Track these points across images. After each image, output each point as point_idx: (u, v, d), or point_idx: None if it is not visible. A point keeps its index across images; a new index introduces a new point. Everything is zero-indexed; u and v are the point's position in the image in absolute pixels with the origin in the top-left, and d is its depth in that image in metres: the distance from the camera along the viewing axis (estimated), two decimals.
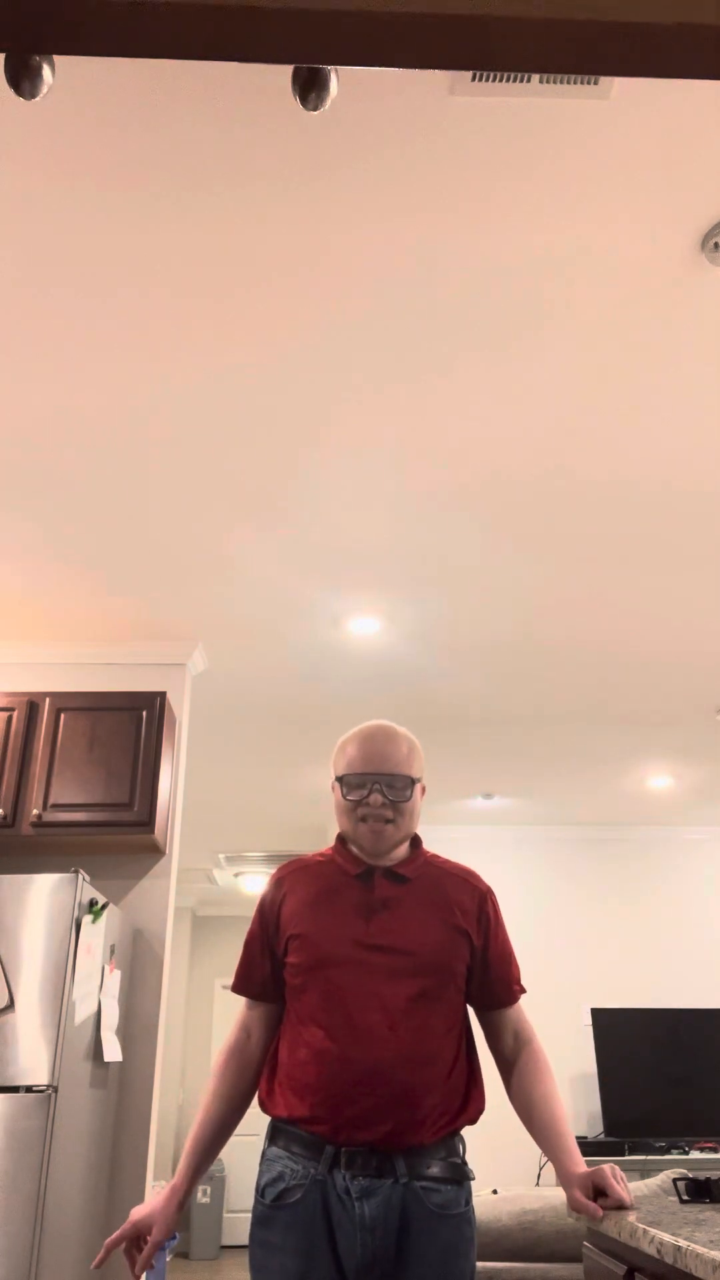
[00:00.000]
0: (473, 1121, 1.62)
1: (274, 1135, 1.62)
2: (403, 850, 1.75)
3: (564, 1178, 1.63)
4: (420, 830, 6.77)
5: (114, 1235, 1.63)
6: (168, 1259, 5.78)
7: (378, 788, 1.69)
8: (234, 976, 1.77)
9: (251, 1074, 1.71)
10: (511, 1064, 1.72)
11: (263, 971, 1.72)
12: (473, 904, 1.73)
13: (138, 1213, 1.64)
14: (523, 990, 1.77)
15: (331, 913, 1.67)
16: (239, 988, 1.75)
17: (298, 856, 1.81)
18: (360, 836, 1.70)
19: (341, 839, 1.78)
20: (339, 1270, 1.50)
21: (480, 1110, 1.64)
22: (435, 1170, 1.55)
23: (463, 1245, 1.55)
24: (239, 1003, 1.88)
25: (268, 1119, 1.71)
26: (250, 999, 1.73)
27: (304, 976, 1.63)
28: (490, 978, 1.72)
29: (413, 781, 1.72)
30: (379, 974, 1.61)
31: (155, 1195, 1.67)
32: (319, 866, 1.75)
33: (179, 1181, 1.68)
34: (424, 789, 1.79)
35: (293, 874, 1.75)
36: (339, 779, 1.73)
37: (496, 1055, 1.75)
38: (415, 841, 1.79)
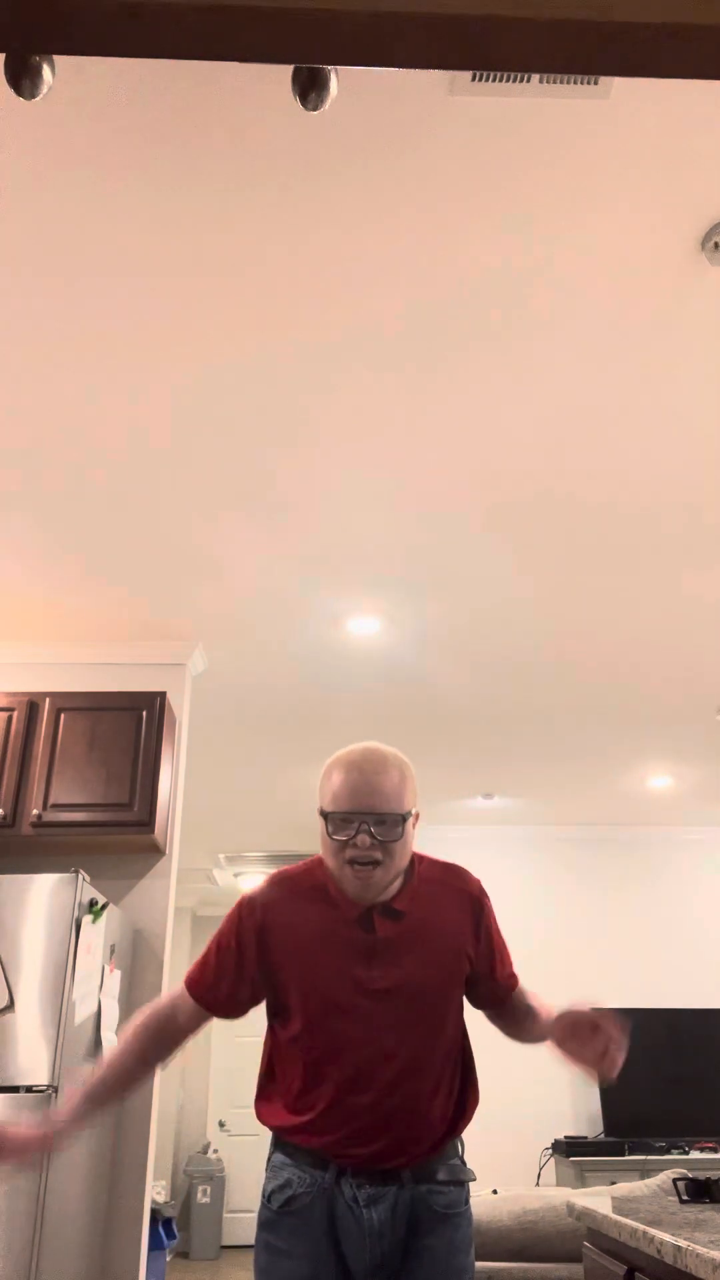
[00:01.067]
0: (469, 1121, 1.65)
1: (280, 1144, 1.63)
2: (396, 883, 1.62)
3: (551, 1025, 1.57)
4: (420, 830, 6.77)
5: None
6: (167, 1259, 5.78)
7: (365, 827, 1.53)
8: (190, 974, 1.62)
9: (168, 1049, 1.60)
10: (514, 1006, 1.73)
11: (231, 991, 1.60)
12: (469, 918, 1.66)
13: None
14: (517, 980, 1.75)
15: (330, 956, 1.58)
16: (197, 991, 1.60)
17: (282, 873, 1.66)
18: (345, 882, 1.56)
19: None
20: (344, 1273, 1.52)
21: (475, 1106, 1.65)
22: (440, 1174, 1.59)
23: (464, 1242, 1.59)
24: None
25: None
26: (202, 1005, 1.60)
27: (304, 1022, 1.57)
28: (493, 979, 1.71)
29: (404, 818, 1.56)
30: (382, 1019, 1.57)
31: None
32: (310, 896, 1.62)
33: (59, 1114, 1.53)
34: (418, 817, 1.64)
35: (280, 901, 1.63)
36: (324, 814, 1.57)
37: (503, 1022, 1.74)
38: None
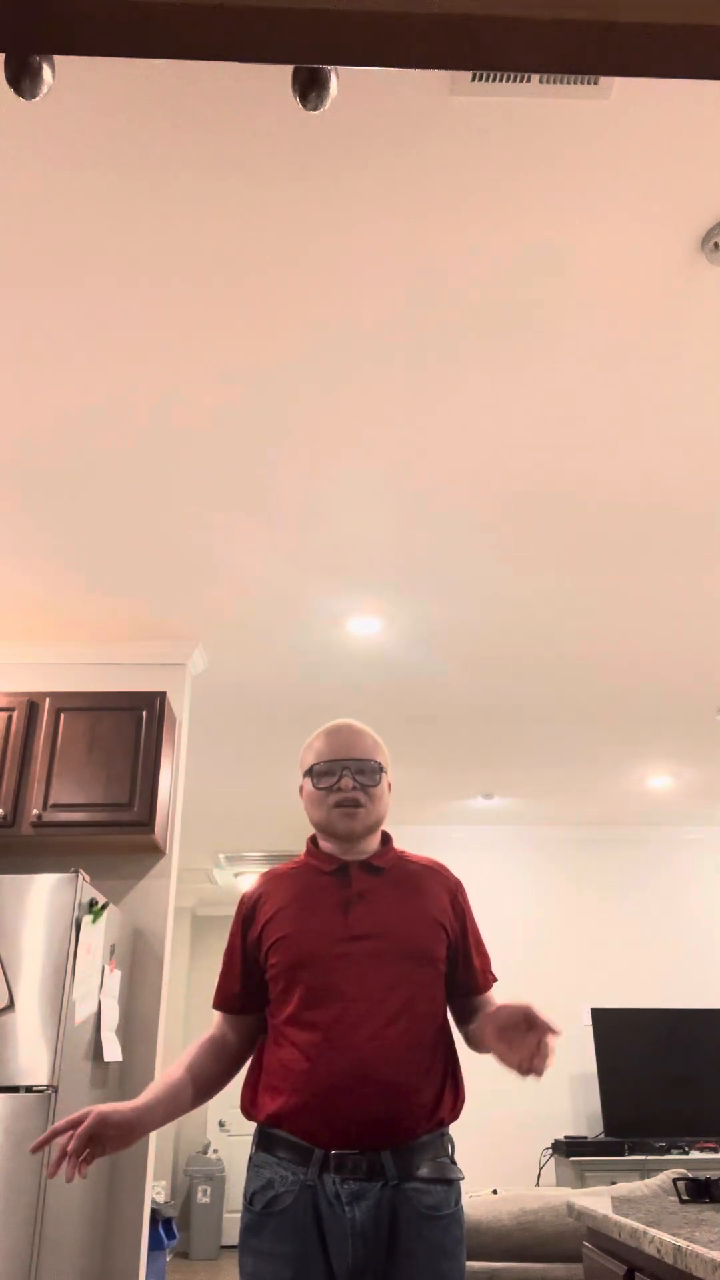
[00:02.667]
0: (456, 1116, 1.63)
1: (261, 1141, 1.61)
2: (374, 843, 1.79)
3: (484, 1021, 1.58)
4: (420, 830, 6.77)
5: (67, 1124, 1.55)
6: (167, 1259, 5.78)
7: (347, 772, 1.74)
8: (215, 992, 1.78)
9: (226, 1065, 1.72)
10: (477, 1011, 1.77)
11: (244, 987, 1.73)
12: (446, 897, 1.76)
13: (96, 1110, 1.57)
14: (494, 979, 1.81)
15: (310, 912, 1.68)
16: (219, 1003, 1.76)
17: (271, 868, 1.84)
18: (333, 821, 1.73)
19: (313, 841, 1.81)
20: (330, 1275, 1.50)
21: (461, 1102, 1.65)
22: (425, 1171, 1.56)
23: (452, 1246, 1.55)
24: None
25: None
26: (230, 1013, 1.75)
27: (286, 978, 1.64)
28: (469, 967, 1.76)
29: (381, 768, 1.77)
30: (360, 962, 1.62)
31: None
32: (293, 872, 1.77)
33: (137, 1104, 1.61)
34: (390, 785, 1.84)
35: (268, 882, 1.78)
36: (308, 771, 1.78)
37: (463, 1027, 1.78)
38: (385, 838, 1.83)
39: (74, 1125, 1.54)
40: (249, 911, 1.75)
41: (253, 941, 1.72)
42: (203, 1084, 1.69)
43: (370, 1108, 1.53)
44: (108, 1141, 1.55)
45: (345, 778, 1.73)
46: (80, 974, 3.03)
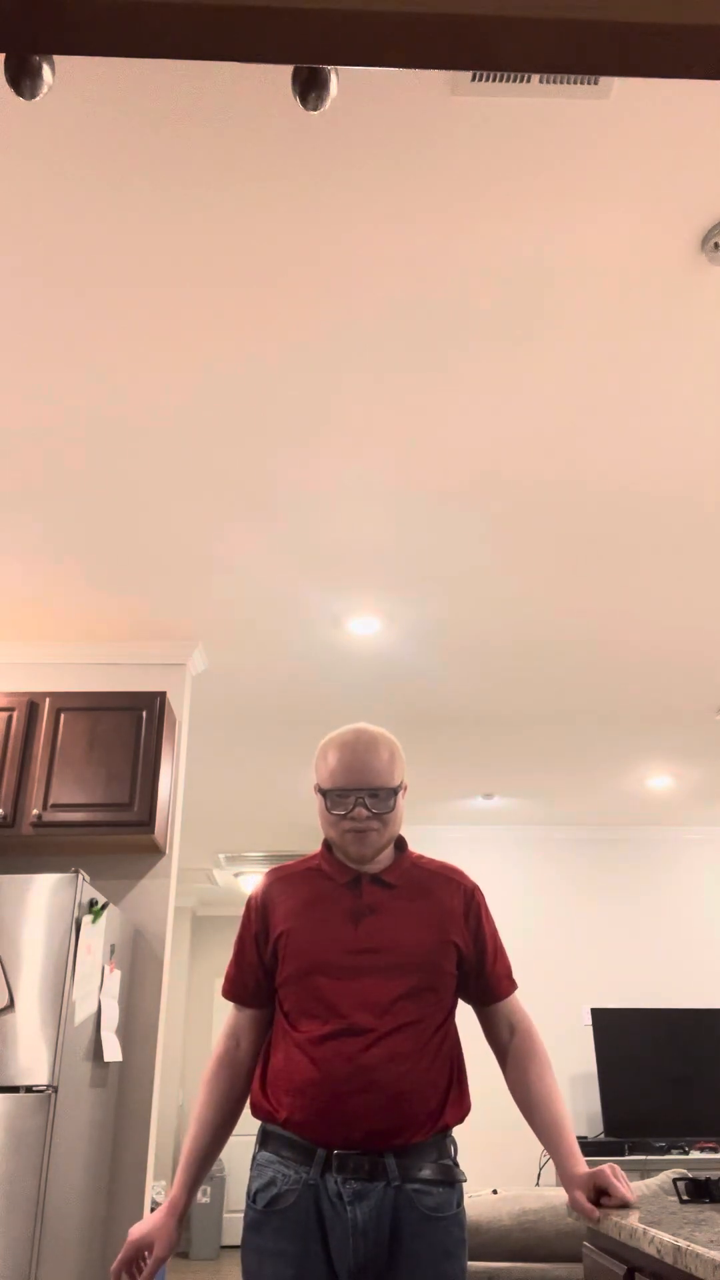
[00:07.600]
0: (460, 1120, 1.63)
1: (265, 1140, 1.62)
2: (388, 855, 1.75)
3: (565, 1178, 1.63)
4: (420, 830, 6.77)
5: (116, 1261, 1.60)
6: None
7: (361, 801, 1.67)
8: (224, 981, 1.77)
9: (242, 1081, 1.71)
10: (510, 1055, 1.74)
11: (254, 978, 1.72)
12: (460, 905, 1.74)
13: (136, 1231, 1.60)
14: (515, 985, 1.79)
15: (320, 920, 1.68)
16: (229, 993, 1.76)
17: (280, 865, 1.81)
18: (346, 844, 1.70)
19: (328, 846, 1.79)
20: (332, 1274, 1.50)
21: (467, 1109, 1.64)
22: (427, 1173, 1.56)
23: (454, 1247, 1.55)
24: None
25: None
26: (240, 1004, 1.74)
27: (295, 983, 1.64)
28: (485, 974, 1.74)
29: (395, 791, 1.70)
30: (368, 974, 1.62)
31: (154, 1212, 1.64)
32: (305, 875, 1.75)
33: (177, 1194, 1.65)
34: (406, 788, 1.79)
35: (278, 882, 1.76)
36: (322, 791, 1.72)
37: (495, 1047, 1.76)
38: (400, 844, 1.80)
39: (124, 1261, 1.58)
40: (261, 910, 1.74)
41: (264, 942, 1.72)
42: (228, 1116, 1.69)
43: (374, 1115, 1.53)
44: (154, 1249, 1.59)
45: (359, 808, 1.67)
46: (80, 974, 3.03)
